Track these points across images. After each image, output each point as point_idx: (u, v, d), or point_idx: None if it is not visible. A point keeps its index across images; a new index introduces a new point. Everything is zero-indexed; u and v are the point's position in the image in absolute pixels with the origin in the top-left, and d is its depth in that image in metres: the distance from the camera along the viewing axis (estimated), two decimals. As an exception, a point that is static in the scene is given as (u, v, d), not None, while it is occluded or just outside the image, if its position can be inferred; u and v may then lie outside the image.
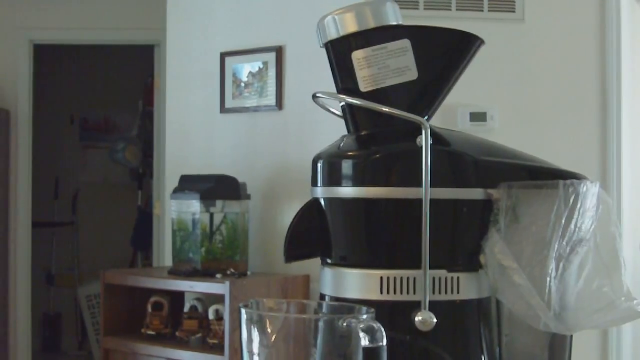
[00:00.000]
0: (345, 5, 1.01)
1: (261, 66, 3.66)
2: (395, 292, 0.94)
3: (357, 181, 0.96)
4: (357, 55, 1.00)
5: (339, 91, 1.03)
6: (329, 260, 1.01)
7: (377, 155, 0.96)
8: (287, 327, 0.88)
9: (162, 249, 4.55)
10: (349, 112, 1.04)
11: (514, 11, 3.42)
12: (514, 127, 3.36)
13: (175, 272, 3.29)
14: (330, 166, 1.00)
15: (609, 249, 1.00)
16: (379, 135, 1.00)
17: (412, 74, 0.99)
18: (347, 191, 0.97)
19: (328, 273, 1.00)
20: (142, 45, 5.61)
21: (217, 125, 3.79)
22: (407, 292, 0.93)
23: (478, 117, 3.36)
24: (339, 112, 1.08)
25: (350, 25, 1.00)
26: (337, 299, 0.98)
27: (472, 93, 3.27)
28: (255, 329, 0.87)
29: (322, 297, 1.01)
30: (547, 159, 1.04)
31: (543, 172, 1.00)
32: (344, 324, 0.85)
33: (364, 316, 0.85)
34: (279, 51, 3.59)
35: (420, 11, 3.35)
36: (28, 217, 5.22)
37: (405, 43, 1.00)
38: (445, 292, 0.94)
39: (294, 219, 1.02)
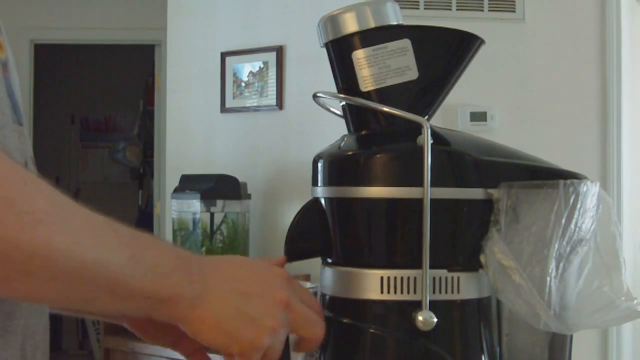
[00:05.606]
0: (345, 5, 1.01)
1: (262, 66, 3.66)
2: (395, 292, 0.94)
3: (358, 181, 0.96)
4: (358, 55, 1.00)
5: (340, 91, 1.04)
6: (329, 260, 1.01)
7: (378, 155, 0.96)
8: (288, 326, 0.88)
9: (163, 249, 4.55)
10: (350, 112, 1.04)
11: (514, 11, 3.43)
12: (514, 127, 3.36)
13: (176, 272, 3.29)
14: (330, 166, 1.00)
15: (609, 249, 1.00)
16: (380, 135, 1.01)
17: (412, 74, 0.99)
18: (347, 191, 0.97)
19: (328, 273, 1.00)
20: (143, 45, 5.61)
21: (218, 125, 3.79)
22: (408, 292, 0.93)
23: (478, 117, 3.36)
24: (339, 112, 1.08)
25: (351, 25, 1.00)
26: (337, 299, 0.98)
27: (472, 93, 3.28)
28: (256, 328, 0.87)
29: (323, 296, 1.01)
30: (547, 159, 1.04)
31: (543, 172, 1.00)
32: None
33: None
34: (279, 51, 3.60)
35: (420, 11, 3.35)
36: (28, 217, 5.21)
37: (405, 43, 1.00)
38: (446, 292, 0.95)
39: (294, 219, 1.02)
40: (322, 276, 1.02)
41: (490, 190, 0.96)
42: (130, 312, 0.87)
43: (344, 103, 1.04)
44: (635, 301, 0.98)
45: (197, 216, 3.38)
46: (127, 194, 6.87)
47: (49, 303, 0.77)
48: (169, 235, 3.62)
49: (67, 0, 5.37)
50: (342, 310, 0.96)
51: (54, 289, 0.74)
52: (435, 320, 0.92)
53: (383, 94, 0.99)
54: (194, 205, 3.39)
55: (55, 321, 6.81)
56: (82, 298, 0.77)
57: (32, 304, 0.87)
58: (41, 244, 0.72)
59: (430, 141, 0.93)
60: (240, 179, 3.46)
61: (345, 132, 1.06)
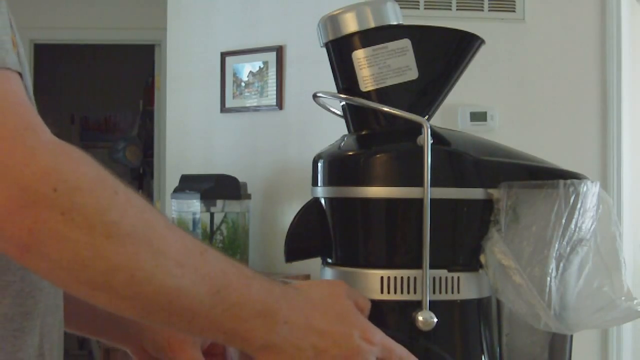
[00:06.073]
0: (345, 5, 1.01)
1: (262, 66, 3.66)
2: (395, 292, 0.94)
3: (358, 181, 0.96)
4: (358, 55, 1.00)
5: (340, 91, 1.03)
6: (329, 260, 1.01)
7: (378, 155, 0.96)
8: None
9: (163, 249, 4.55)
10: (350, 112, 1.04)
11: (514, 11, 3.43)
12: (514, 127, 3.36)
13: (176, 272, 3.29)
14: (330, 166, 1.00)
15: (609, 248, 1.00)
16: (380, 135, 1.00)
17: (412, 74, 0.99)
18: (347, 191, 0.97)
19: (328, 273, 1.00)
20: (143, 45, 5.61)
21: (218, 124, 3.79)
22: (408, 292, 0.93)
23: (478, 117, 3.36)
24: (339, 112, 1.08)
25: (351, 25, 1.00)
26: (337, 299, 0.98)
27: (472, 93, 3.28)
28: (256, 328, 0.87)
29: (323, 296, 1.01)
30: (547, 159, 1.04)
31: (543, 172, 1.00)
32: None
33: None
34: (279, 51, 3.60)
35: (420, 11, 3.35)
36: (28, 217, 5.21)
37: (405, 43, 1.00)
38: (446, 292, 0.95)
39: (294, 219, 1.02)
40: (322, 276, 1.02)
41: (490, 190, 0.96)
42: (204, 338, 0.94)
43: (344, 103, 1.04)
44: (635, 301, 0.98)
45: (197, 216, 3.38)
46: (127, 194, 6.86)
47: (129, 316, 0.77)
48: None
49: (67, 0, 5.37)
50: (342, 310, 0.96)
51: (132, 306, 0.73)
52: (435, 320, 0.92)
53: (383, 94, 0.99)
54: (194, 205, 3.39)
55: (55, 321, 6.80)
56: (159, 320, 0.76)
57: (48, 303, 0.86)
58: (125, 259, 0.70)
59: (430, 141, 0.93)
60: (240, 179, 3.46)
61: (345, 132, 1.06)
